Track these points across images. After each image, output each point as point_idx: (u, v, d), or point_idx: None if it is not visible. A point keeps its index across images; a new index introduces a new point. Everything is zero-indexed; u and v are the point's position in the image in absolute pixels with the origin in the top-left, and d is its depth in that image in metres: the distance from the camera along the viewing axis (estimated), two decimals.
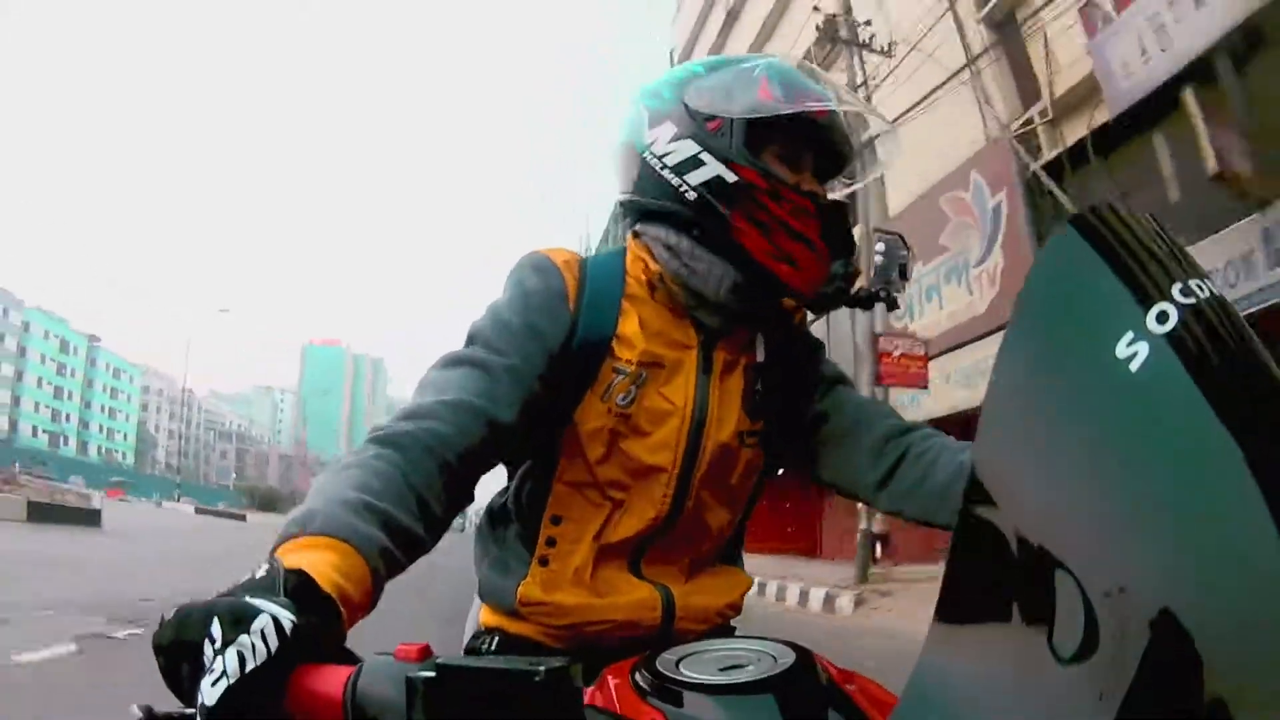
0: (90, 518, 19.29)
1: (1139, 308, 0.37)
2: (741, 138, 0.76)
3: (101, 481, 44.55)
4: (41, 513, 17.80)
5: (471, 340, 0.75)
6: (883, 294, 0.82)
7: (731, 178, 0.75)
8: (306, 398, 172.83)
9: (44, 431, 76.53)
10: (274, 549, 0.54)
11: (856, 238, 0.84)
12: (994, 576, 0.41)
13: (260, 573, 0.48)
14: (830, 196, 0.82)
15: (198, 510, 48.32)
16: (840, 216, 0.79)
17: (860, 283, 0.83)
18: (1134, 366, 0.36)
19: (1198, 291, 0.37)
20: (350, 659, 0.48)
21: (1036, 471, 0.40)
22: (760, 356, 0.84)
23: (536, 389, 0.74)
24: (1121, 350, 0.36)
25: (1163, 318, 0.36)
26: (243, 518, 46.19)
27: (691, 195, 0.76)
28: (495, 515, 0.85)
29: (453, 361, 0.73)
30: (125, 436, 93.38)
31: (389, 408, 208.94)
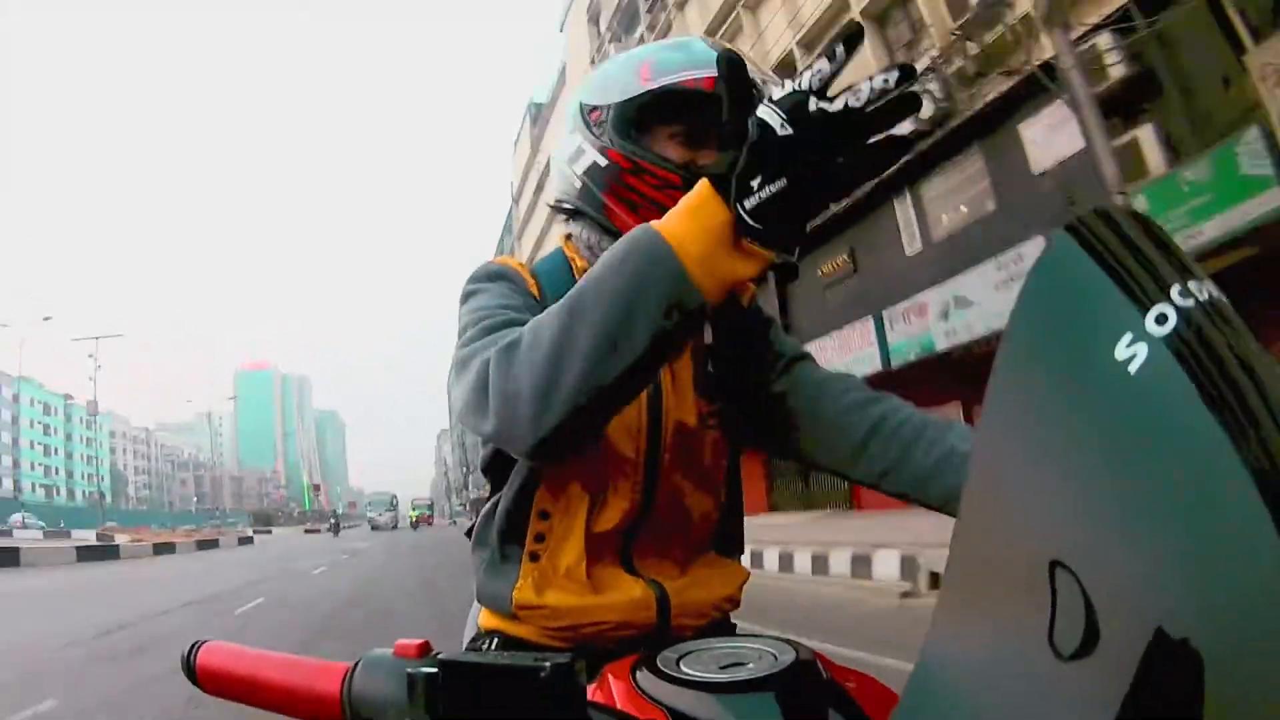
0: (250, 540, 39.03)
1: (1137, 309, 0.36)
2: (616, 122, 0.79)
3: (96, 522, 49.64)
4: (240, 541, 37.26)
5: (469, 326, 0.76)
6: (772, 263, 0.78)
7: (602, 161, 0.80)
8: (242, 419, 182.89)
9: (40, 486, 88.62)
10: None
11: None
12: (994, 576, 0.41)
13: None
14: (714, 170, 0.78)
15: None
16: None
17: None
18: (1133, 368, 0.35)
19: (1197, 293, 0.36)
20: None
21: (1036, 473, 0.40)
22: (708, 338, 0.86)
23: None
24: (1120, 352, 0.36)
25: (1162, 319, 0.36)
26: (269, 531, 62.65)
27: (578, 184, 0.81)
28: (487, 519, 0.87)
29: (487, 341, 0.72)
30: (103, 479, 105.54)
31: (318, 419, 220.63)
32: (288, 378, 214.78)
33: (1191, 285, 0.37)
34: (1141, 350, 0.36)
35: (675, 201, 0.73)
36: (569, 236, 0.89)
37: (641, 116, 0.79)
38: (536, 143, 34.44)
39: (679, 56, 0.79)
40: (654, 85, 0.78)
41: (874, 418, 0.82)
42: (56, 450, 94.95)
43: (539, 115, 35.54)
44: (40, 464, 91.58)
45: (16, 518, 48.48)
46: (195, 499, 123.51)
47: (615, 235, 0.78)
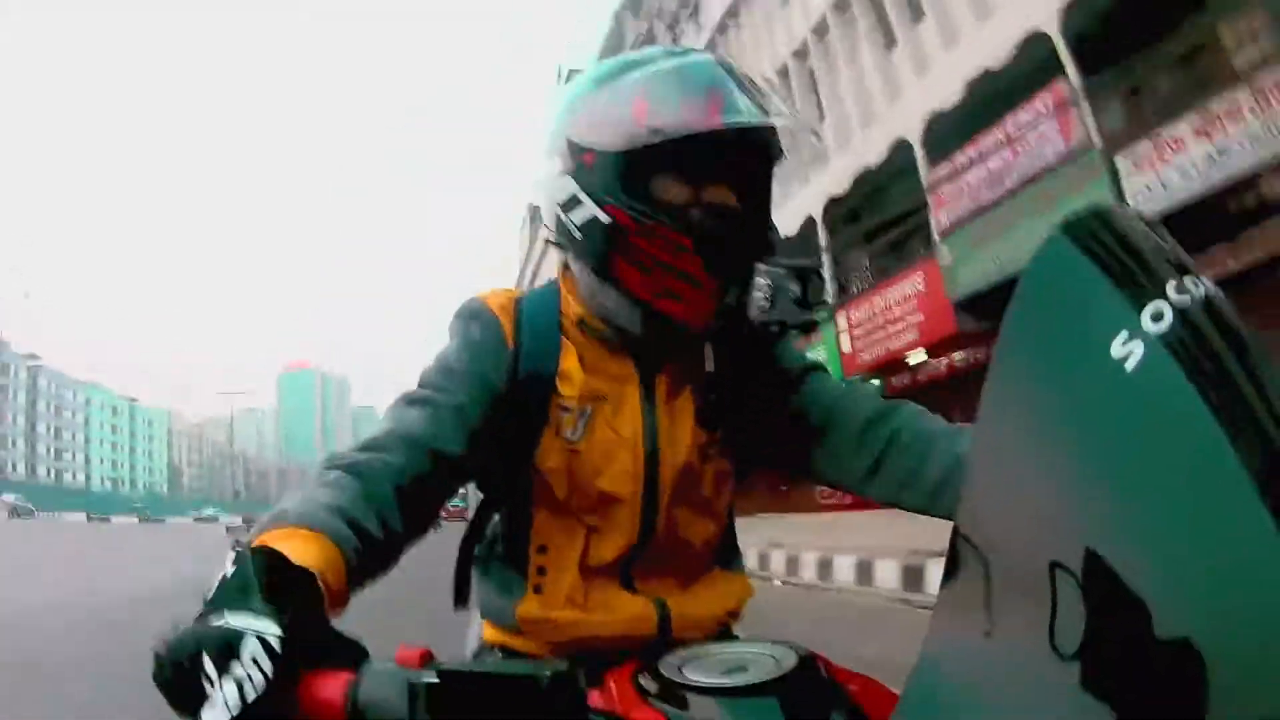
0: None
1: (1133, 306, 0.36)
2: (613, 173, 0.73)
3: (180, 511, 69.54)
4: None
5: (421, 385, 0.78)
6: (783, 325, 0.78)
7: (605, 219, 0.73)
8: (285, 416, 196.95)
9: (107, 479, 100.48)
10: (249, 541, 0.54)
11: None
12: (993, 576, 0.41)
13: (230, 571, 0.48)
14: (723, 211, 0.76)
15: None
16: (730, 244, 0.74)
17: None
18: (1130, 366, 0.35)
19: (1193, 289, 0.36)
20: (348, 648, 0.48)
21: (1033, 472, 0.40)
22: (709, 366, 0.83)
23: (483, 426, 0.76)
24: (1117, 350, 0.36)
25: (1158, 316, 0.36)
26: None
27: (578, 235, 0.76)
28: (490, 543, 0.87)
29: (405, 401, 0.76)
30: (160, 472, 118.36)
31: (354, 416, 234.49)
32: (328, 379, 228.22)
33: (1188, 282, 0.37)
34: (1138, 348, 0.36)
35: (686, 263, 0.72)
36: (566, 267, 0.85)
37: (641, 163, 0.72)
38: (533, 240, 37.76)
39: (674, 90, 0.72)
40: (652, 128, 0.70)
41: (888, 433, 0.80)
42: (122, 447, 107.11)
43: (536, 214, 39.71)
44: (108, 459, 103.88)
45: (210, 511, 67.66)
46: (244, 489, 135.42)
47: (622, 291, 0.76)
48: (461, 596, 0.88)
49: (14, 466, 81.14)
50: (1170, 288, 0.36)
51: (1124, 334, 0.36)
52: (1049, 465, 0.39)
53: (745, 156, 0.77)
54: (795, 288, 0.76)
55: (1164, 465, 0.34)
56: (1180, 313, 0.36)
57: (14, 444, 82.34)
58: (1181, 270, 0.38)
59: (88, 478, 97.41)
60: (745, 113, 0.71)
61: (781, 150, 0.78)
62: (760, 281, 0.75)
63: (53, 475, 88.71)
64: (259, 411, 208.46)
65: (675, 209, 0.74)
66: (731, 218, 0.76)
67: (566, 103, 0.79)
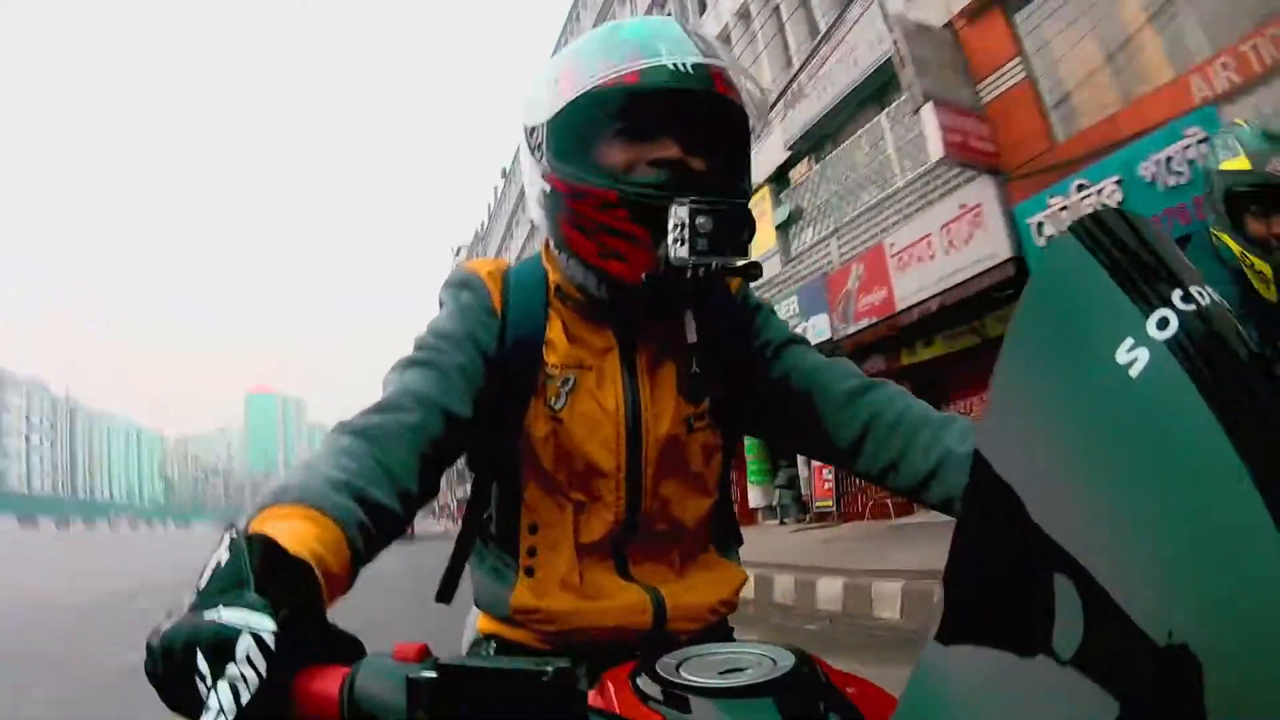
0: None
1: (1139, 313, 0.37)
2: (550, 144, 0.75)
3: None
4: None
5: (418, 348, 0.77)
6: (707, 268, 0.71)
7: (548, 189, 0.76)
8: (251, 434, 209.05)
9: (121, 494, 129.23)
10: (247, 522, 0.52)
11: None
12: (994, 580, 0.41)
13: (224, 559, 0.46)
14: (662, 163, 0.73)
15: None
16: (664, 191, 0.72)
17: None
18: (1134, 372, 0.36)
19: (1198, 298, 0.37)
20: (344, 643, 0.47)
21: (1037, 476, 0.40)
22: (692, 336, 0.82)
23: (483, 387, 0.76)
24: (1122, 356, 0.36)
25: (1163, 323, 0.36)
26: None
27: (541, 211, 0.79)
28: (483, 528, 0.86)
29: (407, 364, 0.75)
30: (159, 486, 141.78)
31: (309, 434, 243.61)
32: (287, 400, 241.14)
33: (1193, 290, 0.37)
34: (1143, 355, 0.36)
35: (619, 220, 0.72)
36: (548, 245, 0.85)
37: (573, 129, 0.74)
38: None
39: (596, 56, 0.74)
40: (572, 96, 0.73)
41: (869, 411, 0.80)
42: (132, 468, 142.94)
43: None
44: (121, 478, 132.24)
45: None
46: (223, 500, 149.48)
47: (576, 257, 0.77)
48: (448, 591, 0.88)
49: (61, 487, 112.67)
50: (1176, 296, 0.37)
51: (1129, 340, 0.36)
52: (1052, 468, 0.39)
53: (701, 116, 0.74)
54: (708, 223, 0.70)
55: (1167, 471, 0.34)
56: (1185, 321, 0.36)
57: (58, 469, 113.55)
58: (1187, 279, 0.38)
59: (111, 494, 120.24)
60: (665, 70, 0.70)
61: (745, 109, 0.76)
62: (674, 220, 0.70)
63: (89, 492, 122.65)
64: (228, 431, 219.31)
65: (618, 171, 0.73)
66: (675, 168, 0.73)
67: (525, 98, 0.81)
